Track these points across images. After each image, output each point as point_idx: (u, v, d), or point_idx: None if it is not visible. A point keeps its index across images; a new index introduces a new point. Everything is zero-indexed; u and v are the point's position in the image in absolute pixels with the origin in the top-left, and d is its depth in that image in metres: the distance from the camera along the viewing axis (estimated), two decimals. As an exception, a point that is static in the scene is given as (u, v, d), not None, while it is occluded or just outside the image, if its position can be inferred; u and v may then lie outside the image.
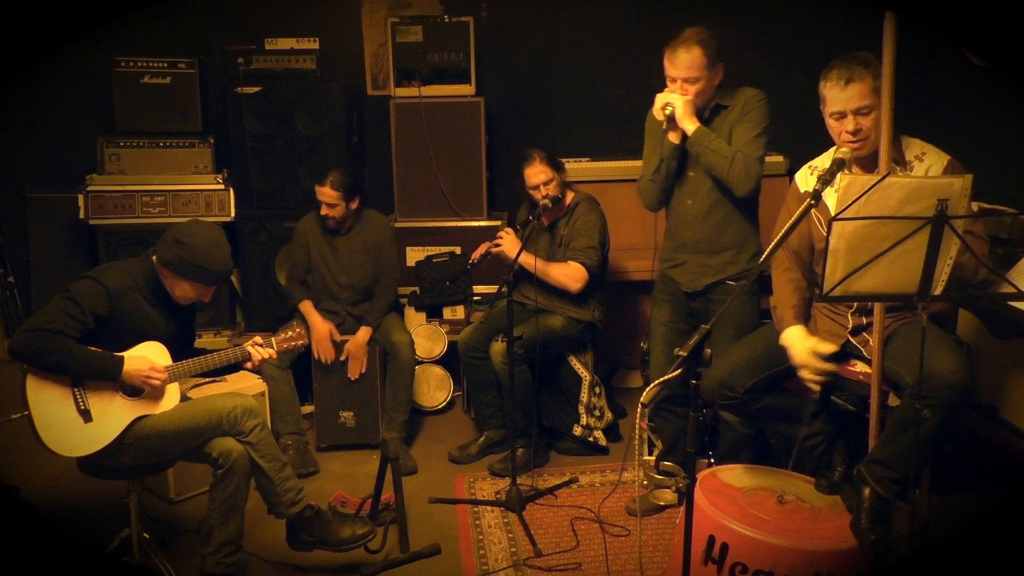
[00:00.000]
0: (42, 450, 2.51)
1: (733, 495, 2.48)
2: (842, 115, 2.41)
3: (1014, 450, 2.52)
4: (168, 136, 4.21)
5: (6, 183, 4.40)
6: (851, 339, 2.57)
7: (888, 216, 2.02)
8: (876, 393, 2.40)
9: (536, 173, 3.59)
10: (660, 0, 4.25)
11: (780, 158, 4.33)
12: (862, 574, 2.28)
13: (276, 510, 2.81)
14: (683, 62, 2.88)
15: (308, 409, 3.96)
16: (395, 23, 4.18)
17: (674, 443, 3.30)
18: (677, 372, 1.97)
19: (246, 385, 3.53)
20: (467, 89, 4.22)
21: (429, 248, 4.27)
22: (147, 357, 2.63)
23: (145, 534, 2.79)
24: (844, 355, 2.58)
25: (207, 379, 3.12)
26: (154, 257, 2.70)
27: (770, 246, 2.13)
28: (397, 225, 4.25)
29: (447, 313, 4.34)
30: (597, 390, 3.80)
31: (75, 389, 2.57)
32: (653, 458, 3.29)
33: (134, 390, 2.63)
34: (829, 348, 2.49)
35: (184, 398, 2.77)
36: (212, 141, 4.24)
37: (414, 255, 4.28)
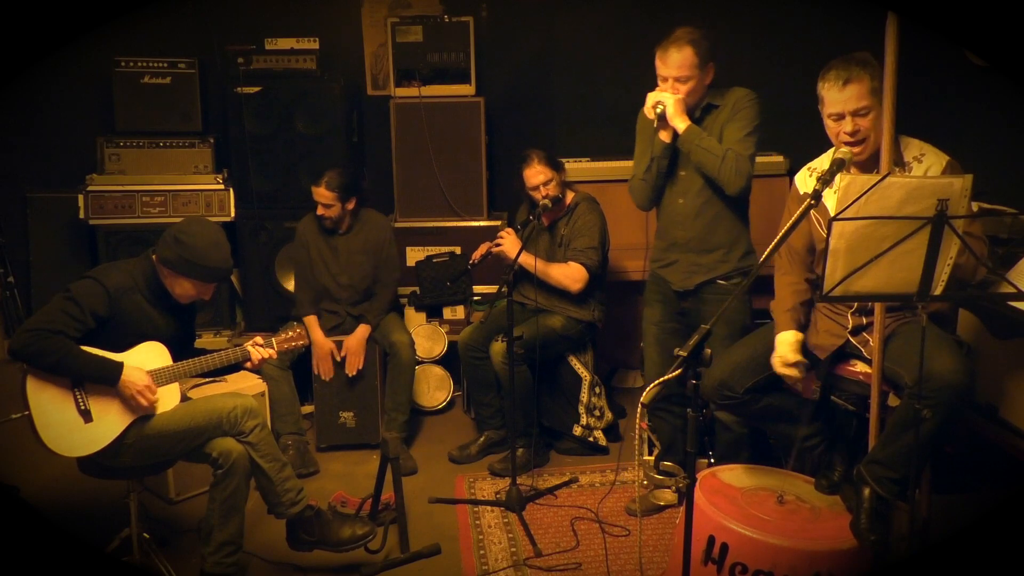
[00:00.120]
0: (42, 450, 2.51)
1: (733, 495, 2.48)
2: (840, 116, 2.41)
3: (1014, 450, 2.52)
4: (168, 136, 4.21)
5: (6, 183, 4.40)
6: (851, 339, 2.56)
7: (888, 216, 2.02)
8: (876, 393, 2.40)
9: (535, 174, 3.59)
10: (660, 0, 4.25)
11: (780, 158, 4.33)
12: (862, 574, 2.28)
13: (276, 510, 2.81)
14: (674, 61, 2.89)
15: (308, 409, 3.96)
16: (395, 23, 4.18)
17: (672, 443, 3.31)
18: (677, 372, 1.97)
19: (246, 385, 3.53)
20: (467, 89, 4.22)
21: (429, 248, 4.27)
22: (146, 370, 2.62)
23: (145, 534, 2.79)
24: (844, 355, 2.59)
25: (207, 379, 3.12)
26: (154, 256, 2.70)
27: (769, 247, 2.12)
28: (397, 225, 4.25)
29: (447, 313, 4.34)
30: (597, 390, 3.80)
31: (75, 389, 2.57)
32: (653, 458, 3.29)
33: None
34: (795, 358, 2.51)
35: (184, 398, 2.77)
36: (212, 141, 4.24)
37: (414, 255, 4.28)
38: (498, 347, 3.57)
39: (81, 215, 4.13)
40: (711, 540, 2.36)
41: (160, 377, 2.65)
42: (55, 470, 3.30)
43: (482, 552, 3.05)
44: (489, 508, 3.34)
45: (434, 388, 4.29)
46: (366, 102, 4.59)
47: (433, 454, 3.84)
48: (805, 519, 2.39)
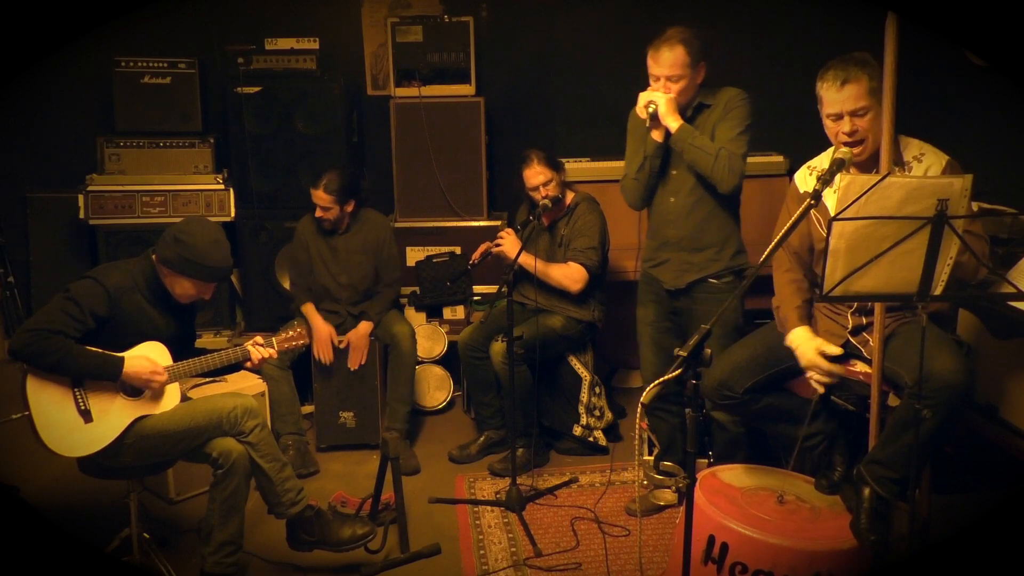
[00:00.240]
0: (42, 450, 2.51)
1: (733, 495, 2.48)
2: (839, 116, 2.41)
3: (1014, 450, 2.52)
4: (168, 136, 4.21)
5: (6, 183, 4.39)
6: (851, 339, 2.56)
7: (888, 216, 2.02)
8: (876, 393, 2.40)
9: (535, 174, 3.59)
10: (660, 0, 4.25)
11: (779, 158, 4.33)
12: (862, 574, 2.28)
13: (276, 510, 2.81)
14: (666, 60, 2.90)
15: (308, 409, 3.96)
16: (395, 23, 4.18)
17: (671, 443, 3.31)
18: (677, 372, 1.97)
19: (246, 385, 3.53)
20: (467, 89, 4.22)
21: (429, 248, 4.27)
22: (149, 357, 2.63)
23: (145, 534, 2.79)
24: (844, 355, 2.58)
25: (207, 379, 3.12)
26: (154, 256, 2.70)
27: (769, 247, 2.12)
28: (397, 225, 4.25)
29: (447, 313, 4.34)
30: (597, 390, 3.80)
31: (75, 389, 2.57)
32: (652, 458, 3.30)
33: (134, 390, 2.64)
34: (834, 350, 2.49)
35: (184, 398, 2.77)
36: (212, 141, 4.24)
37: (414, 255, 4.28)
38: (498, 347, 3.57)
39: (81, 215, 4.13)
40: (711, 540, 2.36)
41: (160, 377, 2.65)
42: (55, 470, 3.30)
43: (482, 552, 3.05)
44: (489, 508, 3.34)
45: (434, 388, 4.29)
46: (366, 102, 4.59)
47: (433, 454, 3.84)
48: (805, 519, 2.39)
